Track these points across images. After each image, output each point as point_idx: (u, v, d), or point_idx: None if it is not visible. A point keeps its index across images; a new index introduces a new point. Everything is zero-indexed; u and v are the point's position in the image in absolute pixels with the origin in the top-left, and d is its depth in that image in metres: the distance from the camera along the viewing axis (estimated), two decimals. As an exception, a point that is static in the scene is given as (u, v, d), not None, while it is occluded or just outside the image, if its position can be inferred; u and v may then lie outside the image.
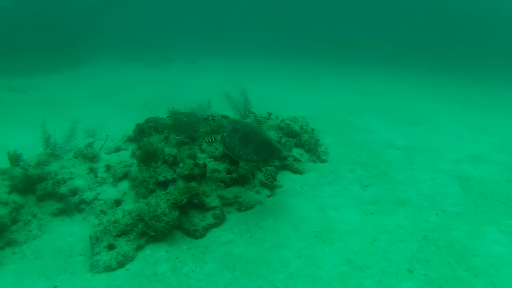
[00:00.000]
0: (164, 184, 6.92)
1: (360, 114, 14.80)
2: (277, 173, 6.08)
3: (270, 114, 10.12)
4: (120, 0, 63.51)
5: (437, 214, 7.05)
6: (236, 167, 7.57)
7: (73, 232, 6.92)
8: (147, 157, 6.98)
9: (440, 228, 6.53)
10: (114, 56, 34.36)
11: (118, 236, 6.11)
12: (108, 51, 36.17)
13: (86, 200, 7.28)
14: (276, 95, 18.53)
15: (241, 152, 5.96)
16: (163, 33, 49.35)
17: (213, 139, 6.42)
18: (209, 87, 20.42)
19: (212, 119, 6.53)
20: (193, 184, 6.52)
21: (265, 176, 5.92)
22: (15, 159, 7.88)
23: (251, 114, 10.09)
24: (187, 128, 7.83)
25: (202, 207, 6.64)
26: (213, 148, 7.74)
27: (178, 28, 53.63)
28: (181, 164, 7.05)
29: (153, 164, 7.06)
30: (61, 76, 25.36)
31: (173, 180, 6.92)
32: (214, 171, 7.26)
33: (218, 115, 8.83)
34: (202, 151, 7.69)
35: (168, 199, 6.22)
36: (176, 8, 65.60)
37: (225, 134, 6.21)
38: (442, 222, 6.77)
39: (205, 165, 6.96)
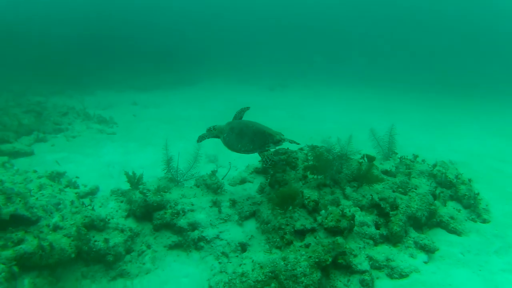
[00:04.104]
0: (301, 233, 5.74)
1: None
2: (273, 155, 6.48)
3: (416, 157, 8.59)
4: (235, 26, 65.49)
5: None
6: (385, 220, 6.20)
7: (188, 273, 6.05)
8: (285, 200, 5.84)
9: None
10: (228, 78, 34.60)
11: (245, 293, 5.01)
12: (223, 73, 36.58)
13: (207, 237, 6.36)
14: (407, 133, 16.42)
15: (239, 146, 6.44)
16: (278, 58, 49.22)
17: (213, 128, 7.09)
18: (329, 119, 19.26)
19: (213, 128, 7.08)
20: (340, 240, 5.27)
21: (264, 161, 6.31)
22: (135, 181, 7.20)
23: (396, 155, 8.62)
24: (329, 167, 6.62)
25: (347, 269, 5.36)
26: (360, 194, 6.43)
27: (293, 54, 53.19)
28: (323, 211, 5.83)
29: (290, 208, 5.90)
30: (178, 95, 25.80)
31: (312, 230, 5.70)
32: (362, 224, 5.93)
33: (363, 156, 7.59)
34: (346, 197, 6.41)
35: (310, 257, 5.02)
36: (292, 35, 65.74)
37: (224, 135, 6.76)
38: None
39: (353, 217, 5.66)
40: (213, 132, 7.08)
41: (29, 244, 5.04)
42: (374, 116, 20.14)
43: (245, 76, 35.14)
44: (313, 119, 19.12)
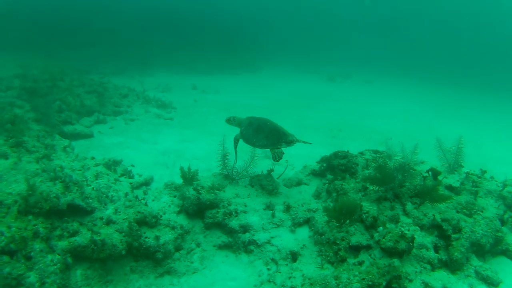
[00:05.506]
0: (355, 249, 5.50)
1: None
2: (283, 154, 7.05)
3: (483, 172, 7.99)
4: (299, 14, 64.80)
5: None
6: (445, 243, 5.82)
7: (236, 276, 5.96)
8: (343, 214, 5.60)
9: None
10: (288, 66, 34.26)
11: (294, 308, 4.85)
12: (283, 60, 36.32)
13: (257, 241, 6.26)
14: (475, 139, 14.96)
15: (254, 140, 7.00)
16: (341, 47, 48.22)
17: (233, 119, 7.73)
18: (391, 116, 18.55)
19: (233, 119, 7.66)
20: (397, 263, 4.98)
21: (273, 157, 6.98)
22: (189, 177, 7.15)
23: (461, 169, 8.05)
24: (391, 180, 6.28)
25: (401, 294, 5.07)
26: (421, 212, 6.07)
27: (357, 43, 51.84)
28: (381, 228, 5.54)
29: (347, 222, 5.66)
30: (238, 80, 25.78)
31: (368, 247, 5.45)
32: (421, 246, 5.59)
33: (429, 170, 7.17)
34: (406, 213, 6.07)
35: (363, 279, 4.77)
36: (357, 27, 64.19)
37: (242, 128, 7.32)
38: None
39: (413, 239, 5.34)
40: (232, 122, 7.72)
41: (83, 237, 5.10)
42: (439, 117, 19.29)
43: (306, 64, 34.66)
44: (373, 115, 18.38)
